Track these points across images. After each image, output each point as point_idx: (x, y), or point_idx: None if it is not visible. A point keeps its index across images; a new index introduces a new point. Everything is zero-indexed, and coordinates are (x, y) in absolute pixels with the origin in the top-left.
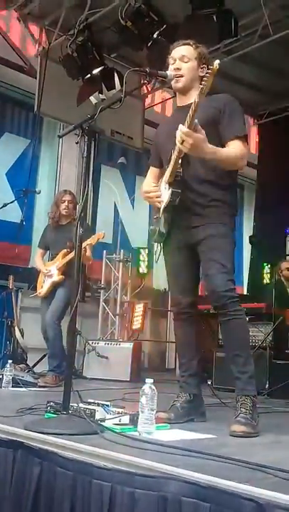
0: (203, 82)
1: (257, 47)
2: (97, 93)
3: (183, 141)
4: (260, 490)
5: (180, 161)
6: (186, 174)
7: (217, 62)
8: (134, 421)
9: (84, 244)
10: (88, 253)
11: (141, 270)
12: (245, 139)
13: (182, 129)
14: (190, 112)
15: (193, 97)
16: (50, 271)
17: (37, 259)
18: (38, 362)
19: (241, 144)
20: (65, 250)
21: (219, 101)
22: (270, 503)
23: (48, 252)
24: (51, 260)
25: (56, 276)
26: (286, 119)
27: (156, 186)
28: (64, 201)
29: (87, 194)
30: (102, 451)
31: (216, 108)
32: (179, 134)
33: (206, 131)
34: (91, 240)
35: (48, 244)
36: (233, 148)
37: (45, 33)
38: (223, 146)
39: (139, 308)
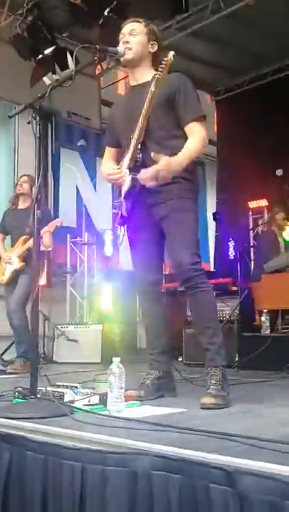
0: (158, 73)
1: (209, 22)
2: (50, 73)
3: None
4: (228, 458)
5: (139, 146)
6: (145, 157)
7: (172, 53)
8: (103, 400)
9: (42, 232)
10: (48, 240)
11: (107, 252)
12: (203, 119)
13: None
14: (146, 102)
15: (144, 74)
16: (10, 258)
17: None
18: (6, 350)
19: (200, 126)
20: (25, 237)
21: (174, 81)
22: (238, 470)
23: (9, 237)
24: (12, 246)
25: (17, 264)
26: (243, 94)
27: (119, 168)
28: (19, 182)
29: (44, 175)
30: (72, 432)
31: (170, 87)
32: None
33: (164, 110)
34: (49, 227)
35: (7, 228)
36: (193, 136)
37: None
38: (181, 127)
39: (107, 289)
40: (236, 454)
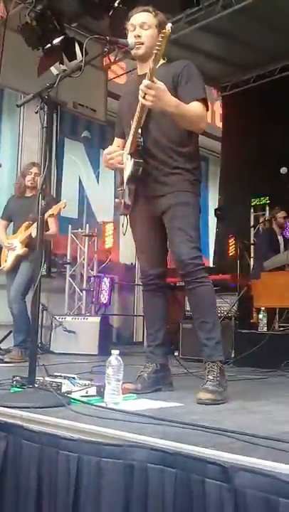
0: (156, 47)
1: (219, 17)
2: (58, 63)
3: (145, 95)
4: (224, 453)
5: (140, 131)
6: (147, 143)
7: (169, 25)
8: (100, 392)
9: (46, 215)
10: (53, 228)
11: (107, 245)
12: (204, 102)
13: (143, 82)
14: (148, 73)
15: None
16: (12, 244)
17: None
18: (4, 338)
19: (201, 105)
20: (27, 222)
21: (177, 66)
22: (234, 466)
23: (12, 223)
24: (14, 233)
25: (20, 249)
26: (250, 90)
27: (119, 148)
28: (30, 173)
29: (49, 165)
30: (69, 423)
31: (174, 73)
32: (140, 89)
33: None
34: (53, 210)
35: (10, 215)
36: (194, 107)
37: (3, 2)
38: None
39: (106, 282)
40: (232, 449)
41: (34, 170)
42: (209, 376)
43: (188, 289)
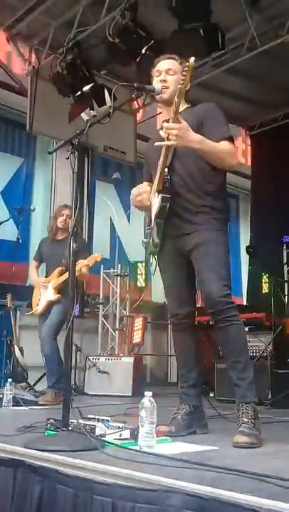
0: (180, 81)
1: (245, 59)
2: (88, 110)
3: (168, 136)
4: (261, 499)
5: (166, 170)
6: (173, 182)
7: (192, 58)
8: (134, 435)
9: (80, 266)
10: (84, 270)
11: (139, 284)
12: (230, 140)
13: (164, 124)
14: (172, 109)
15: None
16: (47, 284)
17: (31, 271)
18: (38, 380)
19: (228, 143)
20: (60, 268)
21: (201, 109)
22: None
23: (44, 265)
24: (46, 276)
25: (52, 296)
26: (277, 129)
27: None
28: (62, 215)
29: (79, 208)
30: (102, 467)
31: (198, 116)
32: (163, 130)
33: None
34: (88, 261)
35: (43, 256)
36: (221, 144)
37: (35, 52)
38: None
39: (139, 322)
40: (270, 495)
41: (66, 212)
42: (244, 418)
43: (219, 327)
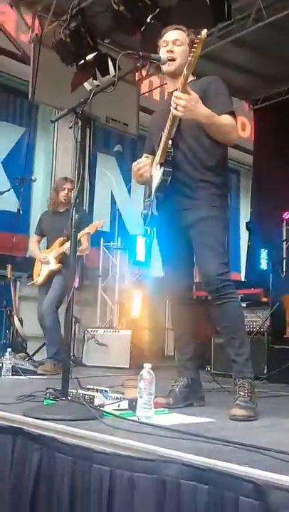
0: (191, 52)
1: (251, 30)
2: (91, 79)
3: (176, 106)
4: (258, 471)
5: (170, 142)
6: (175, 156)
7: (205, 30)
8: (132, 406)
9: (82, 233)
10: (85, 244)
11: (138, 258)
12: (233, 114)
13: (174, 93)
14: (181, 80)
15: None
16: (46, 257)
17: (32, 245)
18: (37, 350)
19: (231, 117)
20: (62, 238)
21: (204, 82)
22: (269, 484)
23: (45, 239)
24: (48, 248)
25: (53, 265)
26: (282, 103)
27: (147, 157)
28: (64, 189)
29: (82, 179)
30: (101, 436)
31: (202, 89)
32: (172, 100)
33: None
34: (89, 229)
35: (44, 230)
36: (224, 119)
37: (38, 19)
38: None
39: (138, 295)
40: (267, 467)
41: (67, 185)
42: (240, 392)
43: (216, 304)
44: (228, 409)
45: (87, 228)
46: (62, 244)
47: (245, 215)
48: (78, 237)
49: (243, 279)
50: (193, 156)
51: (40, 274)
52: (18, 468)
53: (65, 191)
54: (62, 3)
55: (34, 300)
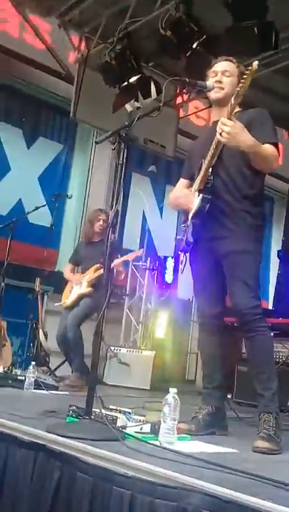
0: (240, 84)
1: None
2: (132, 101)
3: (222, 132)
4: (282, 507)
5: (210, 170)
6: (215, 183)
7: (256, 63)
8: (155, 430)
9: (121, 260)
10: (121, 270)
11: (166, 279)
12: (276, 146)
13: (221, 119)
14: (227, 109)
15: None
16: (79, 279)
17: (66, 274)
18: (59, 365)
19: (273, 147)
20: (98, 265)
21: (250, 113)
22: None
23: (79, 267)
24: (81, 273)
25: (84, 288)
26: None
27: (187, 190)
28: (99, 220)
29: (120, 201)
30: (123, 458)
31: (248, 120)
32: (218, 126)
33: None
34: (128, 257)
35: (79, 260)
36: (268, 148)
37: (85, 41)
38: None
39: (163, 317)
40: None
41: (102, 216)
42: (265, 425)
43: (246, 336)
44: (250, 441)
45: (126, 256)
46: (96, 270)
47: (276, 242)
48: (117, 263)
49: (271, 308)
50: (233, 184)
51: (70, 296)
52: (37, 485)
53: (100, 222)
54: (110, 26)
55: (60, 315)
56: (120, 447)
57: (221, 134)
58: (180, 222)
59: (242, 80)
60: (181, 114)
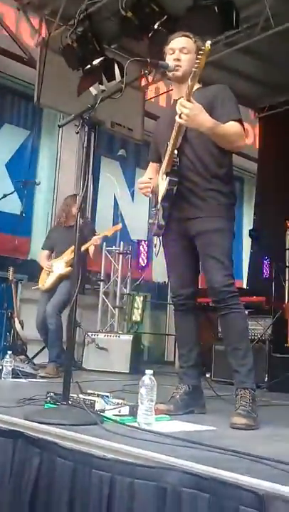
0: (195, 64)
1: (258, 39)
2: (97, 84)
3: (181, 114)
4: (260, 481)
5: (176, 152)
6: (182, 165)
7: (209, 42)
8: (133, 412)
9: (101, 235)
10: (92, 253)
11: (140, 263)
12: (240, 122)
13: (179, 101)
14: (185, 91)
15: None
16: (50, 267)
17: (42, 262)
18: (37, 353)
19: (238, 124)
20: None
21: (212, 90)
22: (270, 494)
23: (54, 252)
24: (56, 257)
25: (63, 269)
26: (287, 112)
27: (151, 178)
28: (68, 206)
29: (87, 185)
30: (102, 442)
31: (209, 97)
32: (177, 107)
33: None
34: (108, 232)
35: (53, 245)
36: (231, 126)
37: (45, 23)
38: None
39: (139, 300)
40: (268, 477)
41: (70, 201)
42: (241, 401)
43: (221, 315)
44: (228, 418)
45: (106, 231)
46: (73, 252)
47: (248, 222)
48: (98, 239)
49: (244, 287)
50: (201, 164)
51: (47, 280)
52: (18, 472)
53: (69, 206)
54: (70, 8)
55: (35, 303)
56: (99, 431)
57: (180, 116)
58: (150, 206)
59: (197, 61)
60: (149, 96)
